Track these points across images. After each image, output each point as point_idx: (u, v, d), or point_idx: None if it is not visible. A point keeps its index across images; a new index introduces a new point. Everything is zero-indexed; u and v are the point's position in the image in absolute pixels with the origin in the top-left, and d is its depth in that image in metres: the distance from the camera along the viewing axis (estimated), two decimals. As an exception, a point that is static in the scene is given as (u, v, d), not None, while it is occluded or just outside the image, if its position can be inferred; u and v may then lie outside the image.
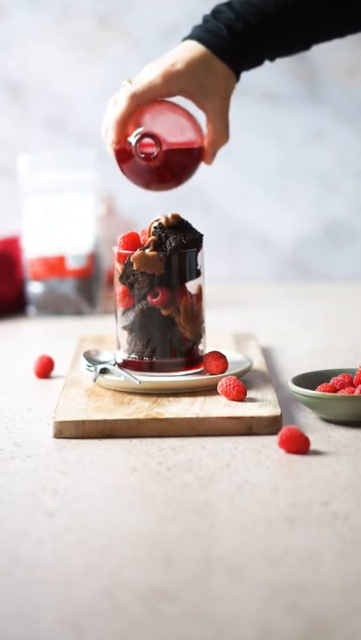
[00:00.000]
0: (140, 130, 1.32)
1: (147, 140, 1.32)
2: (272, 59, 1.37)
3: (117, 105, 1.33)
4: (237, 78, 1.35)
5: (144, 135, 1.31)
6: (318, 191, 2.19)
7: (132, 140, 1.32)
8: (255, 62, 1.36)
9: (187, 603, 0.80)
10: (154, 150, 1.32)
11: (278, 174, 2.19)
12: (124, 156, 1.34)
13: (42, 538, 0.91)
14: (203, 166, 2.23)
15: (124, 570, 0.85)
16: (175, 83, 1.32)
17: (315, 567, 0.85)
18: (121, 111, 1.32)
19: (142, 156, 1.32)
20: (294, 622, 0.77)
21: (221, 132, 1.35)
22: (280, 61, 2.15)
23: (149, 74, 1.32)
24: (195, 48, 1.32)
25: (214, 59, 1.32)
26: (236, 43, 1.32)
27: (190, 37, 1.34)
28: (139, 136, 1.31)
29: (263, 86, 2.16)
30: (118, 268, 1.28)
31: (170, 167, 1.35)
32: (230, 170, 2.19)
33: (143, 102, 1.32)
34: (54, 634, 0.76)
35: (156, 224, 1.28)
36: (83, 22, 2.16)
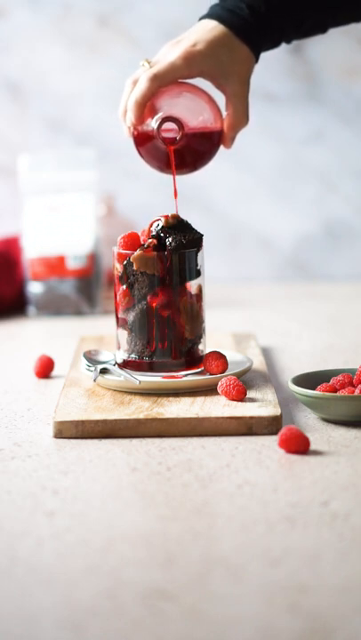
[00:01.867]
0: (161, 114, 1.29)
1: (167, 125, 1.29)
2: (289, 41, 1.34)
3: (138, 86, 1.29)
4: (257, 59, 1.32)
5: (166, 119, 1.28)
6: (318, 191, 2.19)
7: (154, 124, 1.29)
8: (273, 44, 1.33)
9: (187, 603, 0.80)
10: (175, 135, 1.29)
11: (278, 174, 2.19)
12: (142, 138, 1.31)
13: (42, 538, 0.92)
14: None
15: (124, 570, 0.85)
16: (197, 64, 1.28)
17: (315, 567, 0.85)
18: (142, 93, 1.28)
19: (164, 140, 1.29)
20: (294, 622, 0.77)
21: (241, 115, 1.33)
22: (280, 61, 2.15)
23: (170, 54, 1.29)
24: (215, 28, 1.29)
25: (235, 40, 1.29)
26: (256, 23, 1.29)
27: (209, 16, 1.30)
28: (160, 120, 1.28)
29: (263, 86, 2.16)
30: (118, 267, 1.28)
31: (190, 151, 1.33)
32: (230, 170, 2.19)
33: (164, 84, 1.28)
34: (54, 634, 0.76)
35: (155, 224, 1.28)
36: (83, 22, 2.16)
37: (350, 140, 2.17)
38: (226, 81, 1.31)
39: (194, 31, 1.30)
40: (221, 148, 1.35)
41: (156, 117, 1.29)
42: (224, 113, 1.33)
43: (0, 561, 0.87)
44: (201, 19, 1.31)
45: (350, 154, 2.18)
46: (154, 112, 1.30)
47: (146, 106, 1.29)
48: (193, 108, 1.31)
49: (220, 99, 1.33)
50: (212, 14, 1.30)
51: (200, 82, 1.33)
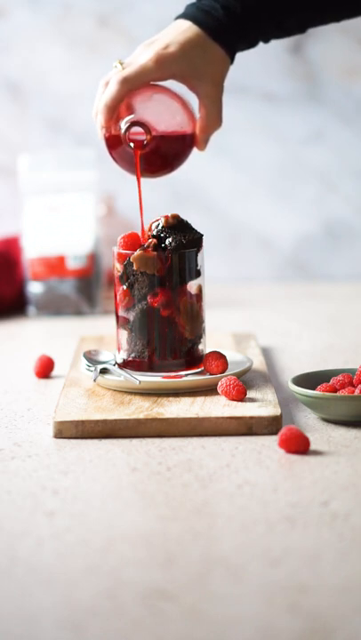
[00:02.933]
0: (129, 117, 1.28)
1: (136, 129, 1.28)
2: (267, 40, 1.32)
3: (108, 89, 1.28)
4: (232, 61, 1.31)
5: (134, 123, 1.28)
6: (318, 191, 2.19)
7: (122, 127, 1.28)
8: (250, 44, 1.32)
9: (187, 603, 0.80)
10: (144, 138, 1.28)
11: (278, 174, 2.19)
12: (113, 141, 1.30)
13: (42, 538, 0.92)
14: (202, 166, 2.23)
15: (124, 570, 0.85)
16: (168, 67, 1.27)
17: (315, 567, 0.85)
18: (111, 96, 1.27)
19: (132, 144, 1.29)
20: (294, 622, 0.77)
21: (214, 118, 1.31)
22: (280, 61, 2.15)
23: (141, 57, 1.28)
24: (189, 29, 1.28)
25: (209, 41, 1.28)
26: (231, 24, 1.28)
27: (184, 16, 1.29)
28: (128, 124, 1.28)
29: (263, 86, 2.16)
30: (118, 267, 1.28)
31: (161, 154, 1.32)
32: (230, 170, 2.19)
33: (134, 87, 1.27)
34: (54, 634, 0.76)
35: (155, 224, 1.28)
36: (83, 22, 2.16)
37: (350, 140, 2.17)
38: (199, 82, 1.29)
39: (167, 32, 1.29)
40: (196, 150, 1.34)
41: (124, 121, 1.28)
42: (197, 115, 1.32)
43: (0, 561, 0.87)
44: (176, 18, 1.30)
45: (350, 154, 2.18)
46: (124, 115, 1.29)
47: (115, 109, 1.28)
48: (164, 111, 1.31)
49: (194, 101, 1.33)
50: (187, 14, 1.29)
51: (173, 84, 1.32)
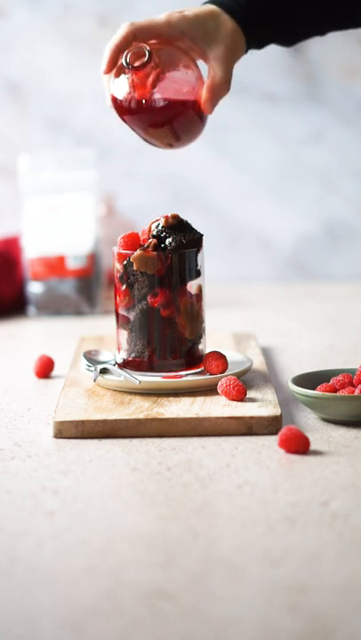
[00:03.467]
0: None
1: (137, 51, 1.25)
2: (284, 40, 1.31)
3: (115, 34, 1.27)
4: (247, 47, 1.29)
5: (137, 49, 1.25)
6: (318, 191, 2.19)
7: (124, 55, 1.25)
8: (266, 37, 1.30)
9: (187, 603, 0.80)
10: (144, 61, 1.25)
11: (278, 174, 2.19)
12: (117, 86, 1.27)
13: (42, 538, 0.92)
14: (202, 166, 2.23)
15: (124, 570, 0.85)
16: (178, 25, 1.26)
17: (315, 567, 0.85)
18: (116, 37, 1.26)
19: (131, 66, 1.25)
20: (294, 622, 0.77)
21: (222, 80, 1.27)
22: (280, 61, 2.15)
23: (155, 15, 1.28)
24: (207, 5, 1.28)
25: (226, 16, 1.27)
26: (251, 9, 1.27)
27: (210, 2, 1.29)
28: (131, 51, 1.25)
29: (263, 86, 2.16)
30: (118, 267, 1.28)
31: (170, 119, 1.28)
32: (230, 170, 2.19)
33: (140, 33, 1.26)
34: (54, 634, 0.76)
35: (155, 224, 1.28)
36: (83, 22, 2.16)
37: (350, 140, 2.18)
38: (209, 46, 1.27)
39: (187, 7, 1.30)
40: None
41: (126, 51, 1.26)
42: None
43: (0, 561, 0.87)
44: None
45: (350, 154, 2.18)
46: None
47: (119, 49, 1.26)
48: (173, 61, 1.27)
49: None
50: (211, 0, 1.30)
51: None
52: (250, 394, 1.24)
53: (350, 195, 2.19)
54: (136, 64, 1.26)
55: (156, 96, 1.27)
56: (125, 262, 1.27)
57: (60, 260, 1.89)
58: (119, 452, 1.12)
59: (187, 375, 1.28)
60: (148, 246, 1.27)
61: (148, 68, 1.26)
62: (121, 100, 1.28)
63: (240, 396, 1.21)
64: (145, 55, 1.26)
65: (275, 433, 1.16)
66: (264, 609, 0.79)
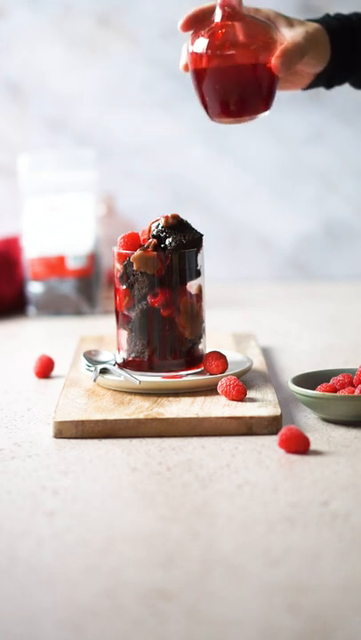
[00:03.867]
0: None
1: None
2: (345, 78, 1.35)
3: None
4: (331, 62, 1.31)
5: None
6: (318, 191, 2.19)
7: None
8: (343, 77, 1.34)
9: (187, 603, 0.80)
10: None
11: (278, 174, 2.19)
12: (196, 61, 1.28)
13: (42, 538, 0.92)
14: (202, 166, 2.23)
15: (124, 570, 0.85)
16: (266, 9, 1.30)
17: (315, 567, 0.85)
18: (201, 5, 1.29)
19: (218, 18, 1.27)
20: (294, 622, 0.77)
21: (299, 44, 1.27)
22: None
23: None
24: (320, 27, 1.31)
25: (321, 28, 1.31)
26: (339, 29, 1.31)
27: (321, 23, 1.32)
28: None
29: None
30: (118, 268, 1.28)
31: (242, 85, 1.27)
32: (230, 170, 2.19)
33: (225, 2, 1.27)
34: (54, 634, 0.76)
35: (155, 224, 1.28)
36: (83, 22, 2.16)
37: (350, 140, 2.18)
38: (292, 26, 1.29)
39: None
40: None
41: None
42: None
43: (0, 561, 0.87)
44: None
45: (350, 154, 2.18)
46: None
47: (202, 11, 1.28)
48: (257, 25, 1.28)
49: None
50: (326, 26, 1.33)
51: None
52: (250, 394, 1.24)
53: (350, 195, 2.19)
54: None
55: (232, 52, 1.28)
56: (125, 262, 1.27)
57: (60, 260, 1.89)
58: (119, 452, 1.12)
59: (187, 375, 1.28)
60: (148, 246, 1.27)
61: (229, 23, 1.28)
62: (199, 54, 1.28)
63: (240, 396, 1.21)
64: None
65: (275, 433, 1.16)
66: (264, 609, 0.79)
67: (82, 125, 2.18)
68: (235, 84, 1.29)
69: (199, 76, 1.29)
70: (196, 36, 1.29)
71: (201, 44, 1.28)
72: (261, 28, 1.29)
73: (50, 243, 1.89)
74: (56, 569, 0.86)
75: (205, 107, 1.31)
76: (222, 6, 1.28)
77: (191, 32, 1.30)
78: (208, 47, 1.28)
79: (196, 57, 1.29)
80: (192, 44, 1.29)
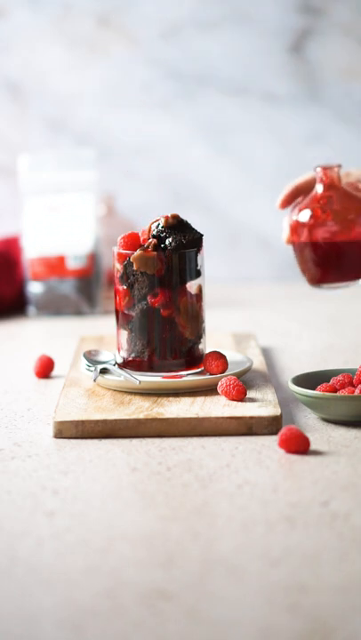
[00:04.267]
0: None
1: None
2: None
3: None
4: None
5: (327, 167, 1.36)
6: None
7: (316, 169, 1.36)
8: None
9: (187, 603, 0.80)
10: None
11: (278, 174, 2.19)
12: (298, 231, 1.38)
13: (42, 538, 0.92)
14: (202, 166, 2.23)
15: (124, 570, 0.85)
16: (359, 170, 1.38)
17: (315, 567, 0.85)
18: (302, 177, 1.40)
19: (322, 172, 1.36)
20: (294, 622, 0.77)
21: None
22: (280, 61, 2.15)
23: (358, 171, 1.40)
24: None
25: None
26: None
27: None
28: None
29: (263, 86, 2.16)
30: (118, 268, 1.28)
31: (345, 257, 1.37)
32: (230, 170, 2.19)
33: (332, 183, 1.36)
34: (54, 634, 0.76)
35: (155, 224, 1.28)
36: (83, 22, 2.16)
37: (350, 140, 2.18)
38: None
39: None
40: None
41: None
42: None
43: (0, 561, 0.87)
44: None
45: (350, 154, 2.18)
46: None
47: (301, 189, 1.39)
48: (356, 197, 1.37)
49: None
50: None
51: None
52: (250, 394, 1.24)
53: (350, 195, 2.19)
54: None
55: (335, 253, 1.37)
56: (125, 262, 1.27)
57: (60, 260, 1.89)
58: (119, 452, 1.12)
59: (187, 375, 1.28)
60: (148, 246, 1.27)
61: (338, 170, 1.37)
62: (304, 226, 1.37)
63: (240, 396, 1.21)
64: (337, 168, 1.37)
65: (275, 433, 1.16)
66: (264, 609, 0.79)
67: (82, 125, 2.18)
68: (339, 254, 1.38)
69: (303, 246, 1.38)
70: (298, 209, 1.38)
71: (305, 217, 1.37)
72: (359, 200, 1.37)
73: (50, 243, 1.89)
74: (56, 569, 0.86)
75: (307, 273, 1.40)
76: (324, 182, 1.36)
77: (291, 206, 1.40)
78: (312, 220, 1.36)
79: (300, 229, 1.37)
80: (296, 217, 1.38)
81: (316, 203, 1.36)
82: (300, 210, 1.37)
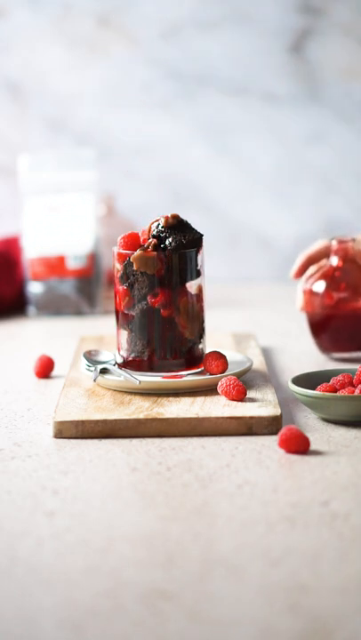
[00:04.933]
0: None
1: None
2: None
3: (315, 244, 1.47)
4: None
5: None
6: (318, 191, 2.19)
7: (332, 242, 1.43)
8: None
9: (187, 603, 0.80)
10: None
11: (278, 174, 2.19)
12: (310, 296, 1.44)
13: (42, 538, 0.92)
14: (202, 166, 2.23)
15: (124, 570, 0.85)
16: None
17: (315, 567, 0.85)
18: (314, 248, 1.46)
19: (337, 244, 1.42)
20: (294, 622, 0.77)
21: None
22: (280, 61, 2.15)
23: None
24: None
25: None
26: None
27: None
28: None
29: (263, 86, 2.16)
30: (118, 268, 1.28)
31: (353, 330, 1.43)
32: (230, 170, 2.19)
33: (343, 254, 1.42)
34: (54, 634, 0.76)
35: (155, 224, 1.28)
36: (83, 22, 2.16)
37: (350, 140, 2.18)
38: None
39: None
40: None
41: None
42: None
43: (0, 561, 0.87)
44: None
45: (350, 154, 2.18)
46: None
47: (313, 259, 1.45)
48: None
49: None
50: None
51: None
52: (250, 394, 1.24)
53: (350, 195, 2.19)
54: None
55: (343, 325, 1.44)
56: (125, 262, 1.27)
57: (60, 260, 1.89)
58: (119, 452, 1.12)
59: (187, 375, 1.28)
60: (148, 246, 1.26)
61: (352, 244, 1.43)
62: (319, 297, 1.43)
63: (240, 396, 1.21)
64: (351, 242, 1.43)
65: (275, 433, 1.16)
66: (264, 609, 0.79)
67: (82, 125, 2.18)
68: (352, 325, 1.43)
69: (317, 315, 1.44)
70: (313, 279, 1.44)
71: (320, 288, 1.43)
72: None
73: (50, 243, 1.89)
74: (56, 569, 0.86)
75: (319, 341, 1.46)
76: (340, 254, 1.43)
77: (305, 276, 1.46)
78: (326, 291, 1.42)
79: (314, 299, 1.44)
80: (310, 286, 1.44)
81: (330, 274, 1.42)
82: (316, 280, 1.43)
